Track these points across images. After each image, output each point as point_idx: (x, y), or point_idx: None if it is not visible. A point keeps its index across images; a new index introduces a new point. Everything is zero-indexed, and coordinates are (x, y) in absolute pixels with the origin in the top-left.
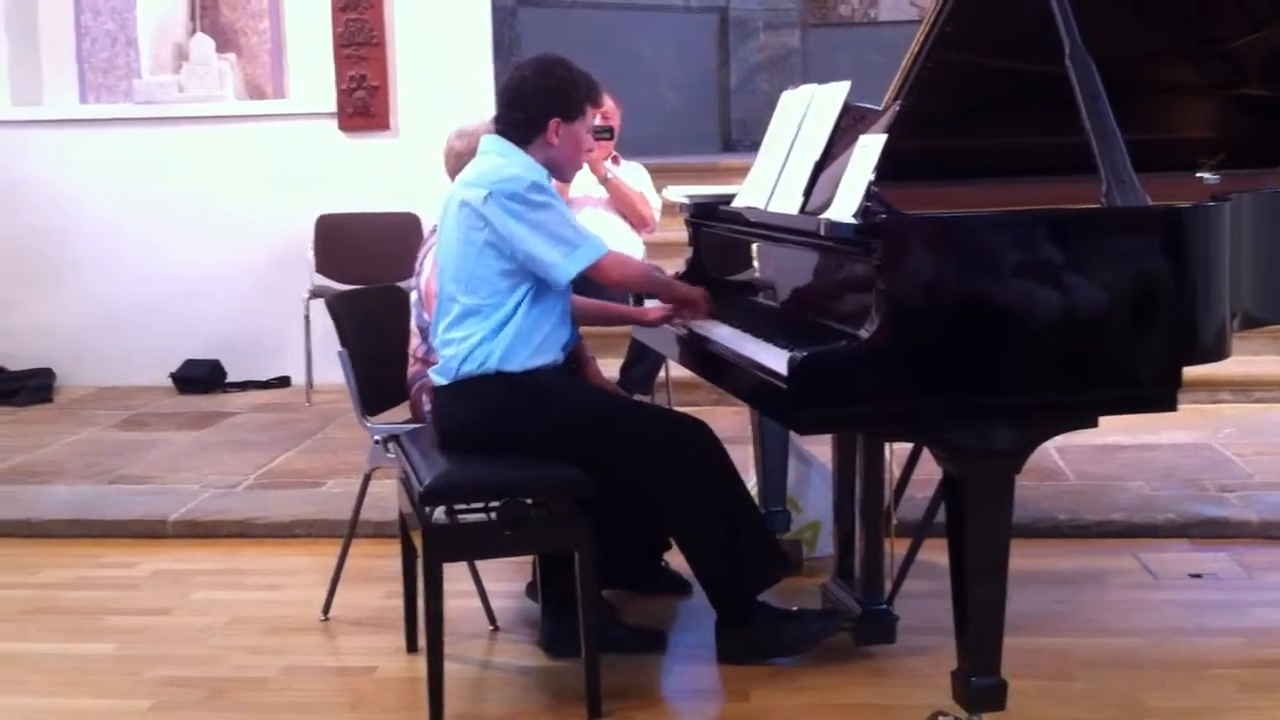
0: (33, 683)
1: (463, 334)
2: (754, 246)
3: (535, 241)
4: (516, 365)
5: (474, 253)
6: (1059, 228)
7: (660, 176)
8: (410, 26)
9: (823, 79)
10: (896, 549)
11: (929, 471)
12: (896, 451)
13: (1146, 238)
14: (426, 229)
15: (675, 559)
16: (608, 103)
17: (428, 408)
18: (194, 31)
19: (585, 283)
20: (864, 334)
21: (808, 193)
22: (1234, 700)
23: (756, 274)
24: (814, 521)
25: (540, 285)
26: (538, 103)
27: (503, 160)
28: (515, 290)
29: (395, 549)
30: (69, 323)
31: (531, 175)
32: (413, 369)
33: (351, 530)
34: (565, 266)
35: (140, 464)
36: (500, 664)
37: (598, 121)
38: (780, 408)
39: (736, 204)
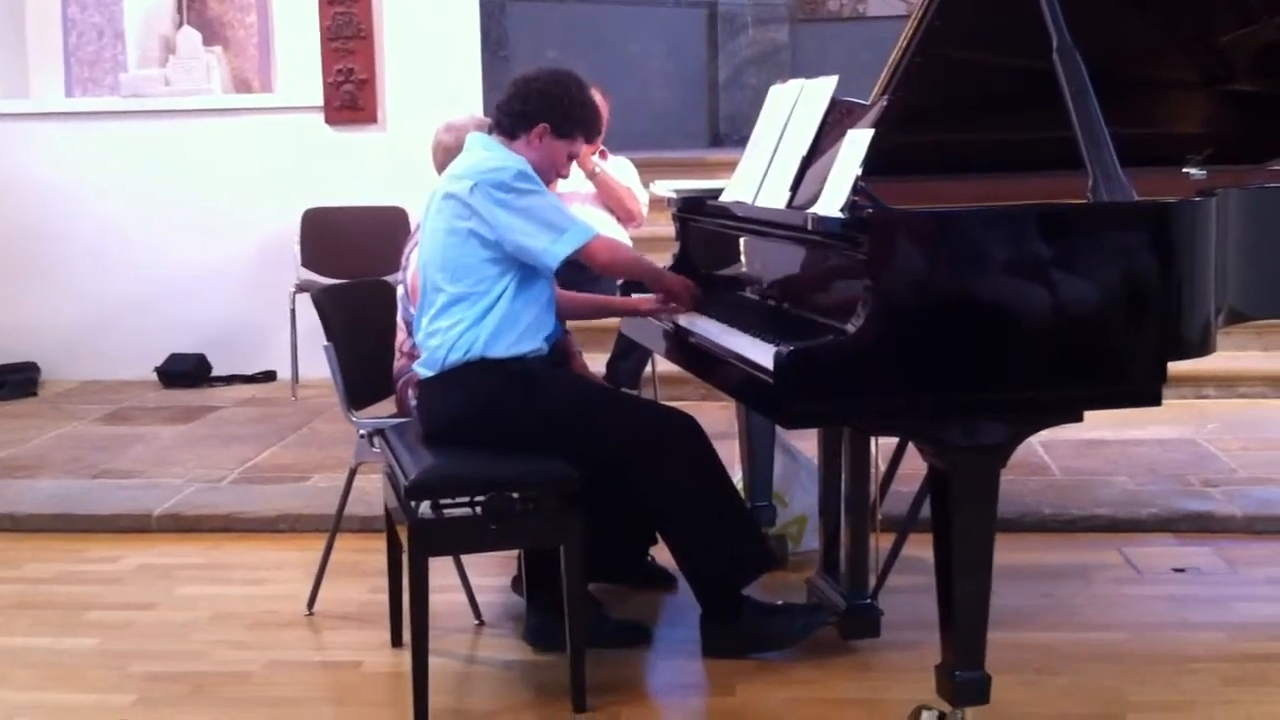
0: (17, 677)
1: (448, 322)
2: (741, 241)
3: (523, 229)
4: (501, 351)
5: (459, 241)
6: (1046, 223)
7: (648, 171)
8: (398, 20)
9: (811, 74)
10: (881, 543)
11: (914, 466)
12: (882, 446)
13: (1133, 233)
14: (414, 223)
15: (660, 553)
16: (596, 97)
17: (413, 402)
18: (181, 25)
19: (576, 271)
20: (851, 328)
21: (795, 187)
22: (1216, 694)
23: (744, 268)
24: (800, 516)
25: (526, 272)
26: (536, 103)
27: (487, 154)
28: (501, 278)
29: (381, 544)
30: (53, 317)
31: (518, 165)
32: (399, 363)
33: (336, 525)
34: (554, 250)
35: (125, 458)
36: (485, 658)
37: None
38: (767, 402)
39: (724, 198)
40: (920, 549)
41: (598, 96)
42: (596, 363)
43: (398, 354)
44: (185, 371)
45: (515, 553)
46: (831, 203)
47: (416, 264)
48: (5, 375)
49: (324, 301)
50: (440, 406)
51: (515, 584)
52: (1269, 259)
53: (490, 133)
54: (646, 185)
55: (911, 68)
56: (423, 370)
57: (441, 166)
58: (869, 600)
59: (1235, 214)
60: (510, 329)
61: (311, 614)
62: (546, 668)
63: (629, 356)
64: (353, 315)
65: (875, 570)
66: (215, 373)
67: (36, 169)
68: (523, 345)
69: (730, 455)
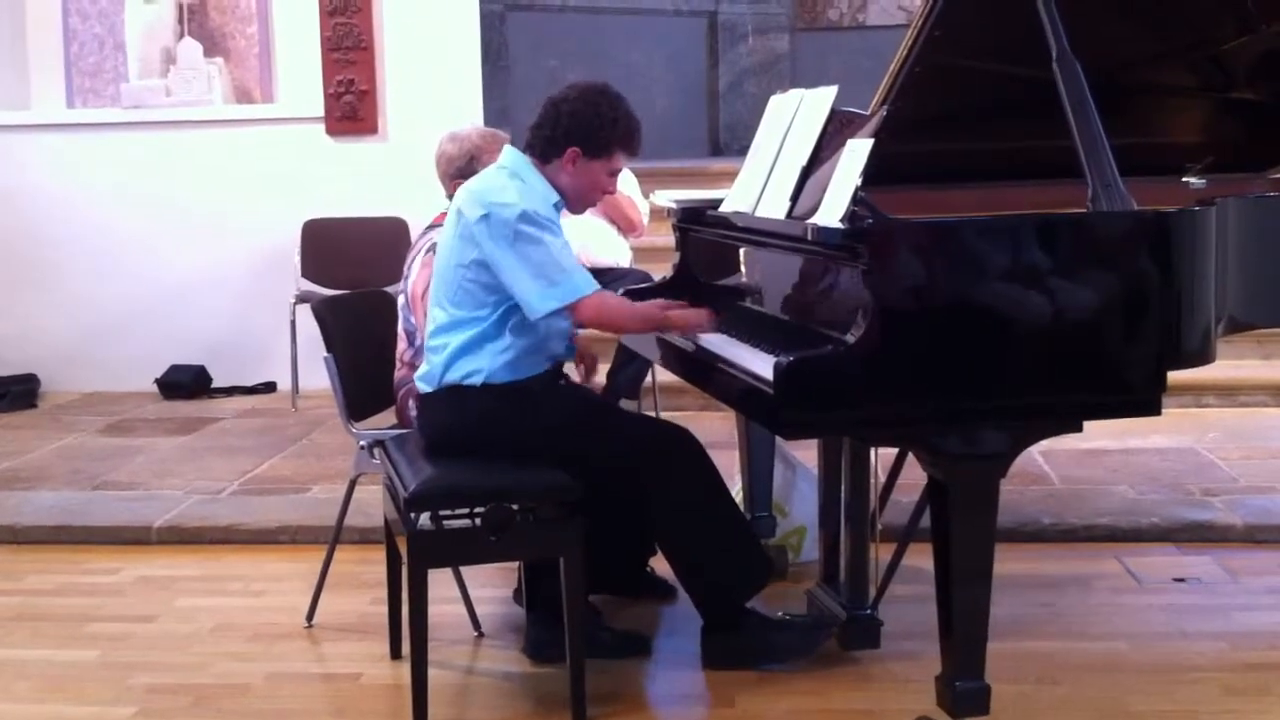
0: (17, 689)
1: (444, 341)
2: (741, 251)
3: (516, 272)
4: (500, 379)
5: (463, 265)
6: (1045, 232)
7: (649, 180)
8: (398, 31)
9: (811, 83)
10: (881, 554)
11: (914, 476)
12: (882, 456)
13: (1133, 242)
14: (414, 233)
15: (658, 564)
16: None
17: (414, 413)
18: (182, 36)
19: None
20: (850, 339)
21: (795, 197)
22: (1217, 704)
23: (744, 279)
24: (800, 526)
25: None
26: (564, 127)
27: (510, 182)
28: (499, 307)
29: (380, 555)
30: (54, 328)
31: (527, 204)
32: (399, 373)
33: (336, 536)
34: (536, 304)
35: (125, 470)
36: (485, 670)
37: None
38: (766, 412)
39: (724, 209)
40: (920, 559)
41: None
42: (597, 372)
43: (398, 364)
44: (185, 383)
45: (516, 564)
46: (831, 213)
47: (419, 273)
48: (5, 386)
49: (324, 312)
50: (439, 421)
51: (516, 596)
52: (1268, 267)
53: (525, 151)
54: (647, 195)
55: (911, 77)
56: (422, 384)
57: (445, 176)
58: (869, 611)
59: (1235, 222)
60: (509, 360)
61: (311, 626)
62: (546, 679)
63: (629, 367)
64: (353, 326)
65: (875, 581)
66: (215, 384)
67: (37, 180)
68: (521, 371)
69: (730, 465)
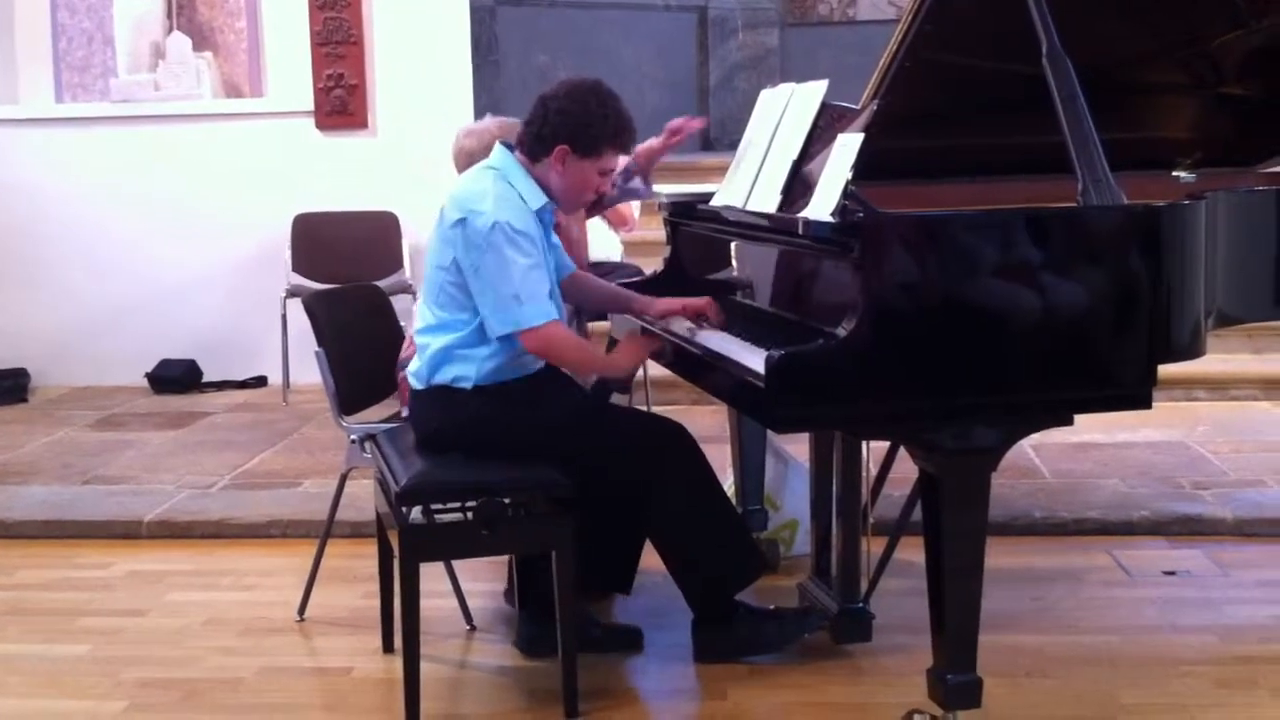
0: (8, 684)
1: (427, 340)
2: (732, 245)
3: (481, 285)
4: (490, 381)
5: (442, 267)
6: (1035, 226)
7: None
8: (389, 25)
9: (801, 78)
10: (873, 547)
11: (906, 470)
12: (874, 450)
13: (1123, 236)
14: (405, 227)
15: (648, 557)
16: None
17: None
18: (171, 30)
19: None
20: (842, 333)
21: (786, 191)
22: (1208, 697)
23: (735, 273)
24: (791, 520)
25: None
26: (553, 125)
27: (493, 187)
28: (478, 314)
29: (372, 549)
30: (44, 322)
31: (501, 215)
32: (405, 353)
33: (328, 530)
34: (494, 324)
35: (116, 464)
36: (477, 664)
37: None
38: (758, 407)
39: (715, 203)
40: (912, 553)
41: None
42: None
43: (408, 343)
44: (176, 377)
45: (506, 560)
46: (822, 207)
47: None
48: None
49: (315, 306)
50: (430, 419)
51: (507, 596)
52: (1258, 261)
53: (515, 150)
54: None
55: (902, 72)
56: (413, 380)
57: (463, 171)
58: (861, 604)
59: (1224, 217)
60: (495, 363)
61: (303, 620)
62: (538, 673)
63: None
64: (344, 320)
65: (867, 574)
66: (206, 378)
67: (26, 174)
68: (512, 373)
69: (722, 460)
